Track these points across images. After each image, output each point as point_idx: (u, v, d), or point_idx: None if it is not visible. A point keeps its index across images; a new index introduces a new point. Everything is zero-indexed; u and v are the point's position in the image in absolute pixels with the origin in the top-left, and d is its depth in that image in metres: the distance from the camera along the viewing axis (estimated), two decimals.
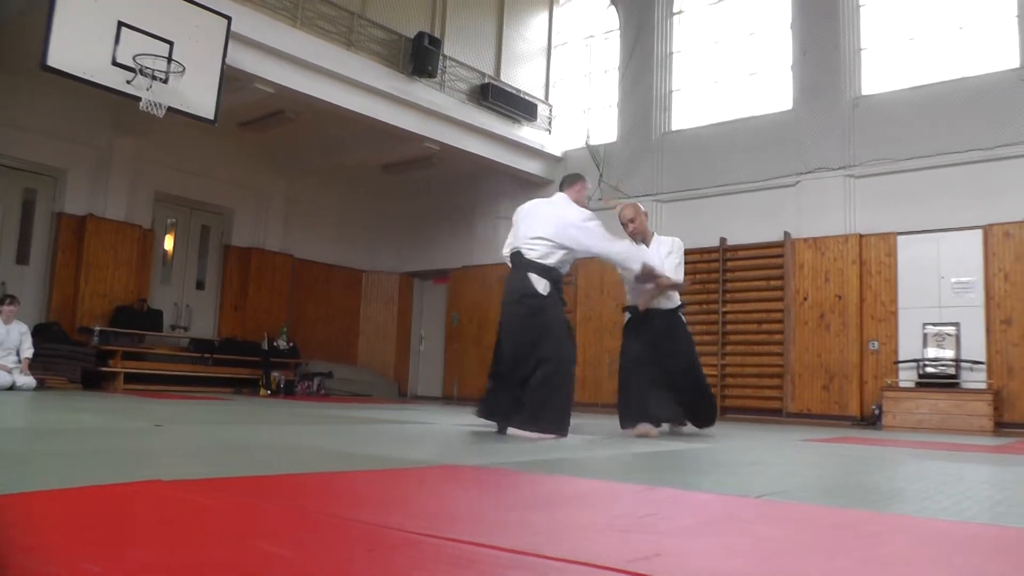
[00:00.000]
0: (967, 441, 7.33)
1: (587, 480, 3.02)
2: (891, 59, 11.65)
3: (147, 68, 8.94)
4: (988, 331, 10.18)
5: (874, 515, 2.37)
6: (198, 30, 9.44)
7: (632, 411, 5.98)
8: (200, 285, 14.17)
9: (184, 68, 9.19)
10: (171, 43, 9.17)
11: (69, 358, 11.07)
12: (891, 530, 2.11)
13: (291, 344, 14.12)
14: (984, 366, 10.13)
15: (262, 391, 13.03)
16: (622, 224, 6.31)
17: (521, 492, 2.60)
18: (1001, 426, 9.74)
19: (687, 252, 12.40)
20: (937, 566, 1.65)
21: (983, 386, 10.00)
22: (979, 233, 10.37)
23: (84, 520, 1.69)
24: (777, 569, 1.51)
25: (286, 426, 5.43)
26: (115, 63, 8.77)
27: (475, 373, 14.25)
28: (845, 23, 11.80)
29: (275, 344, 13.82)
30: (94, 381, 11.35)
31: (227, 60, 9.74)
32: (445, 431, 5.26)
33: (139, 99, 8.92)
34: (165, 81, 9.10)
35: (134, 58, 8.86)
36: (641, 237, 6.28)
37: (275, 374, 13.34)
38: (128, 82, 8.86)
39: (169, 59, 9.13)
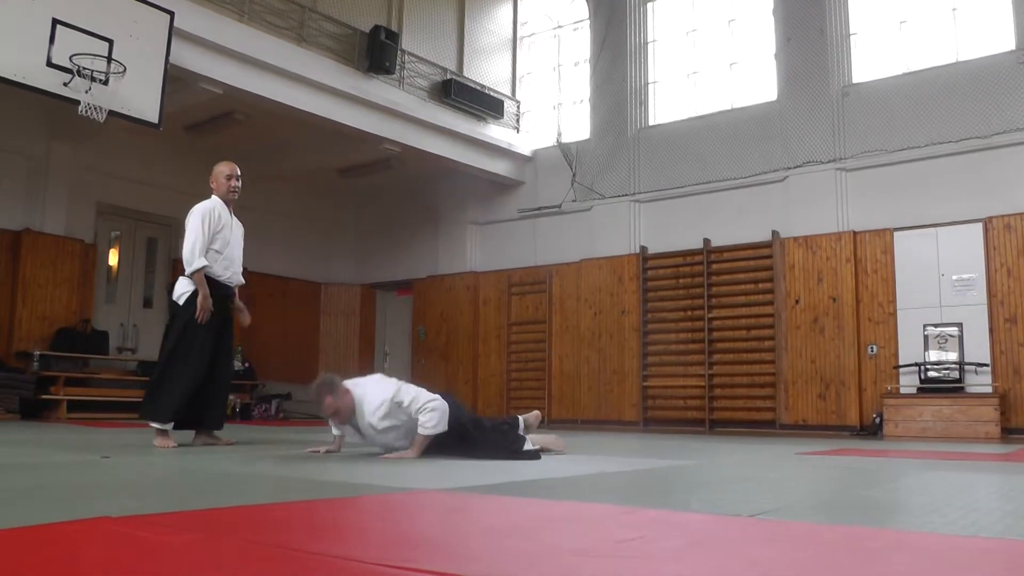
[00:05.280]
0: (973, 449, 7.41)
1: (562, 503, 3.01)
2: (882, 44, 11.77)
3: (85, 69, 8.82)
4: (992, 331, 10.28)
5: (874, 531, 2.39)
6: (138, 27, 9.35)
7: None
8: (148, 303, 14.02)
9: (125, 68, 9.11)
10: (110, 41, 9.07)
11: (5, 386, 10.88)
12: (892, 547, 2.13)
13: (246, 364, 14.00)
14: (989, 368, 10.23)
15: None
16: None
17: (491, 517, 2.59)
18: (1008, 432, 9.84)
19: (669, 255, 12.70)
20: None
21: (989, 390, 10.09)
22: (979, 226, 10.48)
23: (25, 564, 1.67)
24: None
25: (241, 454, 5.40)
26: (50, 64, 8.67)
27: (444, 389, 14.18)
28: (832, 7, 11.88)
29: None
30: (34, 410, 11.17)
31: (171, 59, 9.67)
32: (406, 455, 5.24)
33: (77, 103, 8.84)
34: (105, 83, 9.00)
35: (71, 58, 8.75)
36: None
37: (230, 397, 13.22)
38: (65, 84, 8.76)
39: (109, 59, 9.03)
